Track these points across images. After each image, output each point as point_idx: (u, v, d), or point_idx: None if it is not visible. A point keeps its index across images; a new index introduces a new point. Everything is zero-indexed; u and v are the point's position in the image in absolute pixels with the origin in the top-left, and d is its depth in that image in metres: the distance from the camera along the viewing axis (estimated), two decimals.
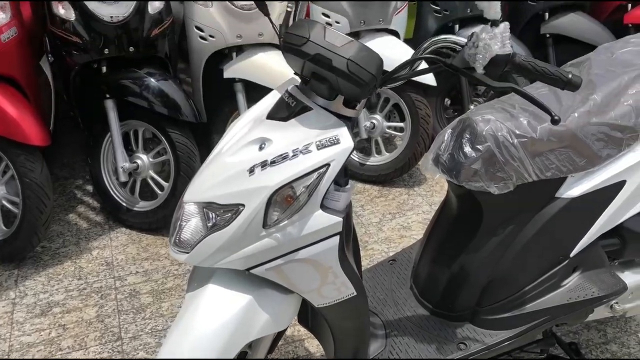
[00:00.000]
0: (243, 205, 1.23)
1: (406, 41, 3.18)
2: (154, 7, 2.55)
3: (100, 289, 2.39)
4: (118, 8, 2.46)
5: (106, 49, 2.50)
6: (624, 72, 1.60)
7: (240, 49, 2.79)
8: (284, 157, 1.23)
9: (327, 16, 2.87)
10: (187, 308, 1.32)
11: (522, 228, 1.59)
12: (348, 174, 1.38)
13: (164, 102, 2.53)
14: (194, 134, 2.66)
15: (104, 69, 2.59)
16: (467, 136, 1.50)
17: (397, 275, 1.89)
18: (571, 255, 1.63)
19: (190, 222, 1.29)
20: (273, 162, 1.23)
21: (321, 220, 1.25)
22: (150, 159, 2.70)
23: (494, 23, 1.20)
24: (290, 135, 1.26)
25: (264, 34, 2.74)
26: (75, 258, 2.57)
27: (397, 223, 2.81)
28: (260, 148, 1.27)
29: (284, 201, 1.22)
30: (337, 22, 2.87)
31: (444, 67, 1.26)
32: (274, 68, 2.69)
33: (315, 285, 1.32)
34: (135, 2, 2.46)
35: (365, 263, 2.34)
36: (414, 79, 2.00)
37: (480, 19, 3.14)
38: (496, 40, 1.18)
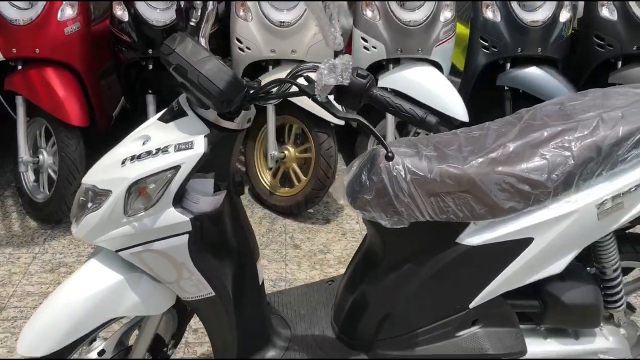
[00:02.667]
0: (111, 192, 1.38)
1: (458, 74, 3.14)
2: (197, 16, 2.80)
3: None
4: (165, 14, 2.75)
5: (150, 49, 2.80)
6: (555, 124, 1.50)
7: (277, 63, 2.96)
8: (148, 154, 1.35)
9: (365, 40, 2.94)
10: (69, 278, 1.49)
11: (421, 268, 1.55)
12: (232, 182, 1.47)
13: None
14: None
15: (150, 67, 2.90)
16: (368, 166, 1.51)
17: (327, 296, 1.91)
18: (470, 306, 1.55)
19: (82, 201, 1.47)
20: (140, 157, 1.36)
21: (171, 217, 1.35)
22: None
23: (336, 54, 1.22)
24: (162, 135, 1.38)
25: (297, 51, 2.87)
26: None
27: None
28: (143, 143, 1.41)
29: (141, 194, 1.35)
30: (374, 48, 2.93)
31: (300, 92, 1.31)
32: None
33: (173, 278, 1.43)
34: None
35: None
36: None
37: (534, 60, 3.02)
38: (334, 71, 1.21)
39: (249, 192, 3.17)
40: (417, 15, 2.88)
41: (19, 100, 2.79)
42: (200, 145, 1.33)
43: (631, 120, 1.46)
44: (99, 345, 1.66)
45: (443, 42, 2.94)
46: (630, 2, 2.96)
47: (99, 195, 1.41)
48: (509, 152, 1.47)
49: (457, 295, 1.56)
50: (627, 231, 1.72)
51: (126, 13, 2.78)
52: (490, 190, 1.44)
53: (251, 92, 1.35)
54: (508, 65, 3.04)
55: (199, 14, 1.48)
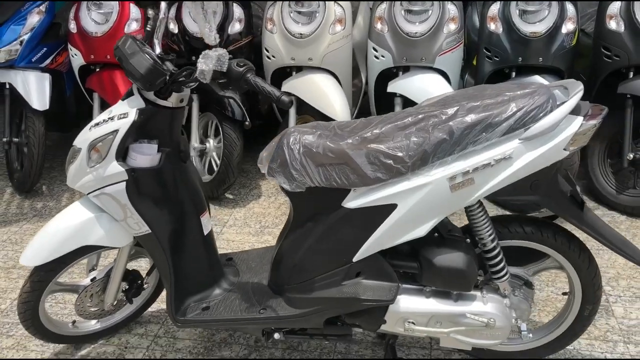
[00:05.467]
0: (80, 149, 1.91)
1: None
2: (233, 29, 3.35)
3: None
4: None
5: (193, 56, 3.38)
6: (424, 111, 1.79)
7: (300, 69, 3.41)
8: (103, 122, 1.87)
9: (376, 50, 3.30)
10: (60, 212, 2.05)
11: (317, 226, 1.91)
12: (177, 149, 1.95)
13: (224, 105, 3.31)
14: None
15: None
16: (278, 142, 1.90)
17: None
18: (354, 260, 1.88)
19: (69, 156, 2.02)
20: (98, 124, 1.88)
21: (114, 168, 1.85)
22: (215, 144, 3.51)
23: (214, 48, 1.65)
24: (116, 108, 1.89)
25: (313, 59, 3.30)
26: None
27: None
28: (108, 115, 1.93)
29: (96, 151, 1.87)
30: (383, 57, 3.28)
31: (190, 79, 1.75)
32: (317, 88, 3.26)
33: (122, 216, 1.92)
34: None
35: None
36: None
37: (536, 69, 3.18)
38: (209, 60, 1.64)
39: None
40: (420, 27, 3.19)
41: (95, 96, 3.52)
42: (132, 116, 1.82)
43: (485, 109, 1.71)
44: (93, 274, 2.22)
45: (446, 52, 3.21)
46: (638, 16, 3.04)
47: (76, 152, 1.95)
48: (379, 132, 1.79)
49: (343, 250, 1.89)
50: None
51: (176, 27, 3.40)
52: (361, 162, 1.77)
53: (169, 78, 1.81)
54: (513, 73, 3.23)
55: (154, 23, 1.97)
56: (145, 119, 1.84)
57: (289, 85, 3.37)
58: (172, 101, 1.88)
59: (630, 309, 2.52)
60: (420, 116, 1.78)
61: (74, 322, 2.33)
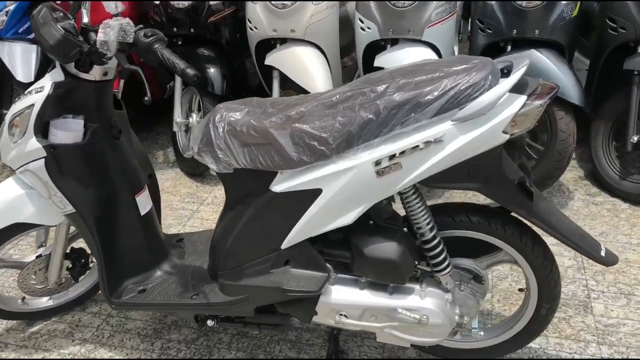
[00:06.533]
0: (5, 123, 1.85)
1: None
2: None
3: None
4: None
5: (174, 27, 3.28)
6: (354, 88, 1.64)
7: (284, 41, 3.26)
8: (24, 96, 1.79)
9: (362, 21, 3.11)
10: None
11: (246, 209, 1.79)
12: (108, 125, 1.86)
13: (204, 79, 3.21)
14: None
15: (180, 42, 3.39)
16: (205, 120, 1.79)
17: None
18: (282, 247, 1.76)
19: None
20: (20, 98, 1.81)
21: (33, 144, 1.78)
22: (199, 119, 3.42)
23: (115, 16, 1.53)
24: (38, 82, 1.81)
25: (295, 31, 3.14)
26: None
27: None
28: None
29: (16, 126, 1.80)
30: (369, 28, 3.08)
31: (95, 51, 1.64)
32: (299, 61, 3.11)
33: (46, 194, 1.85)
34: None
35: None
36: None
37: (531, 42, 2.93)
38: (109, 30, 1.52)
39: None
40: None
41: None
42: (47, 89, 1.73)
43: (416, 87, 1.54)
44: (40, 251, 2.18)
45: (436, 24, 2.99)
46: None
47: (2, 126, 1.89)
48: (304, 111, 1.64)
49: (271, 236, 1.77)
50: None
51: None
52: (285, 143, 1.63)
53: (85, 50, 1.71)
54: (509, 47, 2.99)
55: None
56: (63, 92, 1.75)
57: (272, 59, 3.23)
58: (94, 74, 1.78)
59: (611, 307, 2.31)
60: (348, 94, 1.63)
61: (23, 298, 2.31)
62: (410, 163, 1.56)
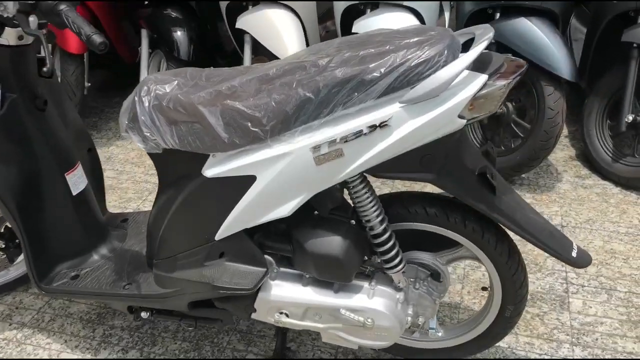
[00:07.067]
0: None
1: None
2: None
3: None
4: None
5: None
6: (297, 60, 1.42)
7: (257, 2, 3.02)
8: None
9: None
10: None
11: (178, 194, 1.60)
12: (29, 96, 1.67)
13: (170, 43, 3.00)
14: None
15: (146, 2, 3.15)
16: (136, 90, 1.58)
17: None
18: (216, 238, 1.58)
19: None
20: None
21: None
22: None
23: None
24: None
25: None
26: None
27: None
28: None
29: None
30: None
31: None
32: (271, 25, 2.88)
33: None
34: None
35: None
36: None
37: (522, 10, 2.69)
38: None
39: None
40: None
41: None
42: None
43: (361, 62, 1.33)
44: None
45: None
46: None
47: None
48: (237, 85, 1.44)
49: (204, 225, 1.58)
50: None
51: None
52: (214, 122, 1.43)
53: None
54: (497, 15, 2.74)
55: None
56: None
57: (242, 21, 3.00)
58: (7, 38, 1.58)
59: (590, 303, 2.14)
60: (287, 67, 1.42)
61: None
62: (353, 150, 1.36)
